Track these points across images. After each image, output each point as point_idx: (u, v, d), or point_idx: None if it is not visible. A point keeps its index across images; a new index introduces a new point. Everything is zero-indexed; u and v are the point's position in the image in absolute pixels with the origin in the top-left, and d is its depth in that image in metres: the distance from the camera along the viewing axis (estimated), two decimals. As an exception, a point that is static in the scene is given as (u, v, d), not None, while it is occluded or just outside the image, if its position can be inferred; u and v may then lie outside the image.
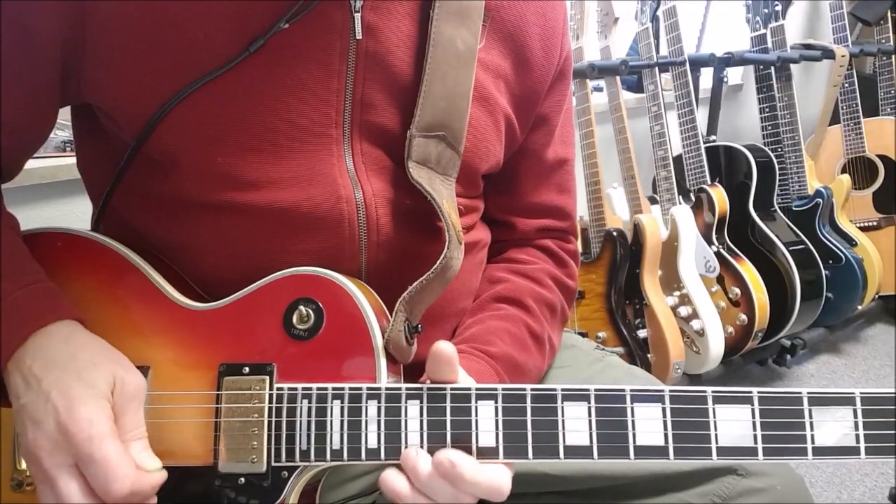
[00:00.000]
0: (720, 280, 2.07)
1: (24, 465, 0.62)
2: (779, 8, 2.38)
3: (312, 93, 0.66)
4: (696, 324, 1.99)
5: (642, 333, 1.95)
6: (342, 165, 0.68)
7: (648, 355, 1.92)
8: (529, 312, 0.80)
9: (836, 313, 2.41)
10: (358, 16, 0.66)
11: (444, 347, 0.59)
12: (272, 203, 0.66)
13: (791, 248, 2.16)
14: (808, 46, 2.60)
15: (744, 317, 2.06)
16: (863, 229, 2.57)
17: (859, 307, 2.46)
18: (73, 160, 0.80)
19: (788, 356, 2.37)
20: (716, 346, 1.99)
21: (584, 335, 1.94)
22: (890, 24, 2.80)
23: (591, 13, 2.04)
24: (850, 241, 2.44)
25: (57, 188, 1.42)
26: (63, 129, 1.46)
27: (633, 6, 2.10)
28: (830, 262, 2.33)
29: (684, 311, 2.01)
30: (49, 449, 0.55)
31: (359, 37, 0.67)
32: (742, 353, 2.14)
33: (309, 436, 0.60)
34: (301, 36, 0.65)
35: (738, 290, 2.05)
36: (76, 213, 1.43)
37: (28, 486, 0.62)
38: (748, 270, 2.06)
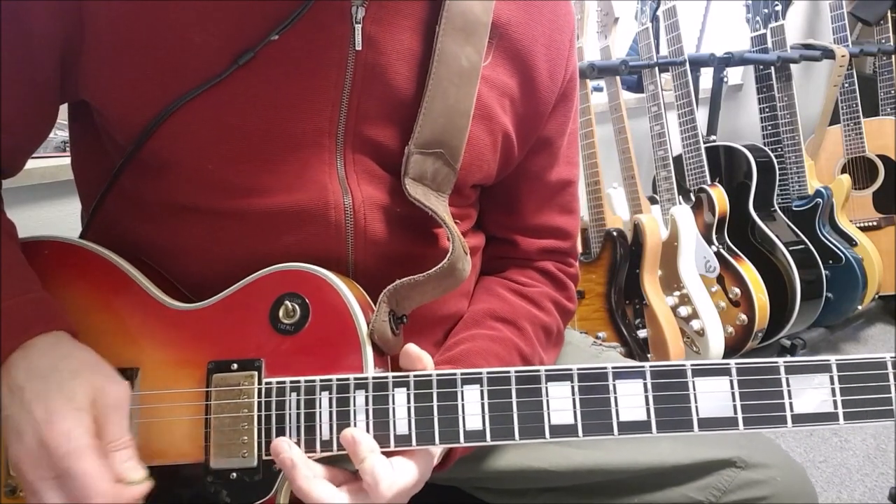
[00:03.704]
0: (720, 280, 2.07)
1: None
2: (779, 8, 2.38)
3: (309, 103, 0.66)
4: (696, 324, 1.99)
5: (642, 333, 1.95)
6: (333, 172, 0.68)
7: (648, 355, 1.92)
8: (523, 335, 0.79)
9: (836, 313, 2.40)
10: (359, 27, 0.66)
11: (413, 349, 0.62)
12: (261, 207, 0.66)
13: (791, 248, 2.16)
14: (808, 46, 2.59)
15: (744, 317, 2.06)
16: (863, 229, 2.56)
17: (859, 307, 2.45)
18: (71, 160, 0.80)
19: (788, 356, 2.36)
20: (716, 346, 1.99)
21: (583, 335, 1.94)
22: (890, 24, 2.79)
23: (591, 13, 2.04)
24: (850, 241, 2.44)
25: (57, 188, 1.42)
26: (63, 128, 1.45)
27: (633, 6, 2.10)
28: (830, 262, 2.32)
29: (684, 311, 2.01)
30: (30, 462, 0.55)
31: (359, 48, 0.66)
32: (742, 353, 2.13)
33: (299, 428, 0.60)
34: (299, 45, 0.65)
35: (738, 290, 2.05)
36: (76, 214, 1.42)
37: (22, 493, 0.62)
38: (748, 270, 2.06)
